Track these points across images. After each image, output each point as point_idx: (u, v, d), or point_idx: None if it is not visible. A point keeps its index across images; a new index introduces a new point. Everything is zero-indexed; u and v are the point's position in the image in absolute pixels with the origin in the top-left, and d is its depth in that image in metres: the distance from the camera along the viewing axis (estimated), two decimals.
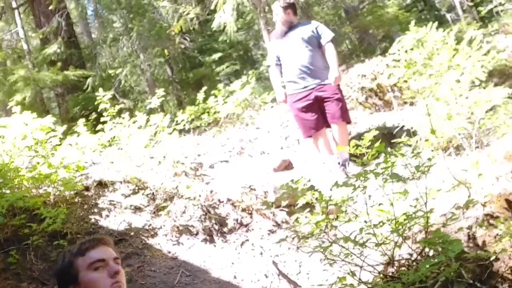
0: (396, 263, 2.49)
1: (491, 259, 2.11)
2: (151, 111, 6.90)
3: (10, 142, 4.17)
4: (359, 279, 2.43)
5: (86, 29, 16.47)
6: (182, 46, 11.17)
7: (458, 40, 5.03)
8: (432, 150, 3.88)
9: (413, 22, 5.28)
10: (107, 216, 3.88)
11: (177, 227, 3.86)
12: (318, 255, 2.82)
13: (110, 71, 10.49)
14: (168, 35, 10.36)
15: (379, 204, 2.48)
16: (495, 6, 11.81)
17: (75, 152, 4.58)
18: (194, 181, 4.64)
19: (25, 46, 11.12)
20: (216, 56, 12.78)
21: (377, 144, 2.51)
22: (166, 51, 11.23)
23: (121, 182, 4.31)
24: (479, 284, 2.06)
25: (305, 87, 4.65)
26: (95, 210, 3.93)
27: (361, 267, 2.48)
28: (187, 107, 7.49)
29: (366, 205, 2.47)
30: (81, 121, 5.31)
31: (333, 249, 2.53)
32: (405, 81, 5.42)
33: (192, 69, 12.89)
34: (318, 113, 4.66)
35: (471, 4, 12.70)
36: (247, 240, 3.94)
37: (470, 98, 4.04)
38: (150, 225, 3.86)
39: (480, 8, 12.64)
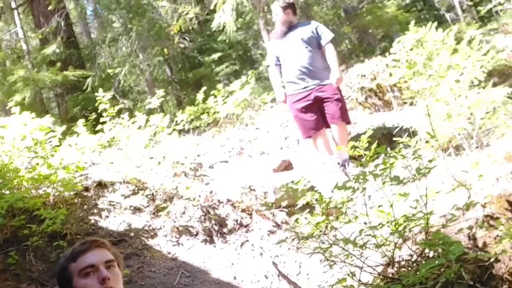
0: (396, 264, 2.49)
1: (491, 260, 2.11)
2: (150, 111, 6.91)
3: (10, 143, 4.17)
4: (359, 280, 2.42)
5: (85, 29, 16.46)
6: (182, 45, 11.16)
7: (458, 40, 5.02)
8: (432, 148, 3.88)
9: (412, 22, 5.28)
10: (107, 216, 3.88)
11: (177, 228, 3.86)
12: (318, 255, 2.81)
13: (109, 71, 10.47)
14: (167, 35, 10.35)
15: (379, 206, 2.48)
16: (495, 6, 11.82)
17: (74, 153, 4.58)
18: (194, 182, 4.64)
19: (24, 46, 11.10)
20: (215, 56, 12.77)
21: (374, 145, 2.51)
22: (165, 50, 11.21)
23: (120, 183, 4.31)
24: (479, 286, 2.05)
25: (304, 87, 4.65)
26: (95, 210, 3.93)
27: (361, 268, 2.48)
28: (186, 107, 7.48)
29: (365, 206, 2.46)
30: (81, 121, 5.31)
31: (333, 250, 2.52)
32: (405, 81, 5.42)
33: (191, 69, 12.88)
34: (317, 113, 4.66)
35: (470, 3, 12.71)
36: (247, 240, 3.94)
37: (470, 98, 4.04)
38: (149, 225, 3.86)
39: (479, 8, 12.65)
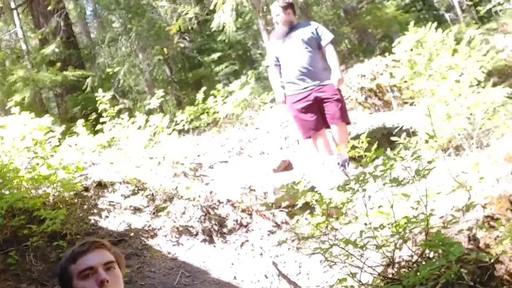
0: (396, 265, 2.49)
1: (492, 261, 2.11)
2: (150, 112, 6.91)
3: (9, 143, 4.17)
4: (359, 281, 2.43)
5: (85, 29, 16.45)
6: (181, 45, 11.16)
7: (458, 40, 5.02)
8: (432, 147, 3.88)
9: (412, 23, 5.28)
10: (107, 217, 3.88)
11: (177, 228, 3.86)
12: (318, 255, 2.82)
13: (108, 70, 10.46)
14: (167, 35, 10.34)
15: (379, 207, 2.48)
16: (494, 6, 11.82)
17: (74, 153, 4.58)
18: (194, 182, 4.64)
19: (24, 47, 11.09)
20: (215, 56, 12.76)
21: (375, 146, 2.51)
22: (165, 50, 11.21)
23: (120, 183, 4.31)
24: (480, 286, 2.05)
25: (304, 88, 4.65)
26: (95, 211, 3.93)
27: (361, 268, 2.48)
28: (186, 107, 7.47)
29: (365, 207, 2.46)
30: (80, 121, 5.31)
31: (333, 250, 2.52)
32: (405, 82, 5.42)
33: (191, 69, 12.88)
34: (317, 114, 4.66)
35: (470, 3, 12.70)
36: (247, 240, 3.94)
37: (470, 99, 4.04)
38: (149, 225, 3.86)
39: (479, 8, 12.64)
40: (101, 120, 5.37)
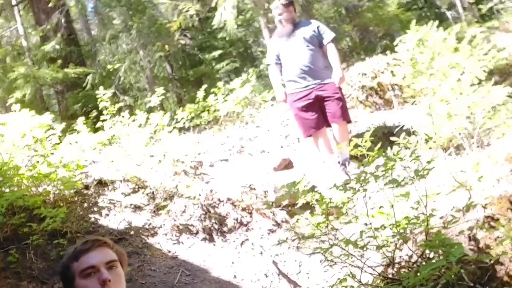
0: (396, 265, 2.49)
1: (492, 262, 2.11)
2: (151, 109, 6.90)
3: (10, 141, 4.16)
4: (359, 281, 2.43)
5: (86, 26, 16.43)
6: (182, 42, 11.15)
7: (459, 39, 5.02)
8: (431, 148, 3.88)
9: (414, 22, 5.27)
10: (107, 215, 3.88)
11: (177, 226, 3.86)
12: (318, 255, 2.81)
13: (109, 66, 10.46)
14: (168, 32, 10.34)
15: (380, 207, 2.48)
16: (496, 4, 11.80)
17: (75, 151, 4.58)
18: (194, 180, 4.64)
19: (24, 43, 11.09)
20: (216, 53, 12.75)
21: (378, 145, 2.51)
22: (166, 47, 11.20)
23: (121, 181, 4.30)
24: (480, 287, 2.05)
25: (305, 86, 4.65)
26: (95, 209, 3.92)
27: (361, 268, 2.48)
28: (187, 105, 7.48)
29: (366, 207, 2.46)
30: (81, 119, 5.30)
31: (333, 250, 2.52)
32: (406, 80, 5.41)
33: (192, 66, 12.87)
34: (318, 112, 4.65)
35: (472, 1, 12.67)
36: (247, 239, 3.94)
37: (471, 98, 4.04)
38: (150, 224, 3.86)
39: (480, 6, 12.61)
40: (102, 117, 5.37)
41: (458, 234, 2.30)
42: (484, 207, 2.43)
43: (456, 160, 3.94)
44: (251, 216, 4.17)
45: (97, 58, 11.25)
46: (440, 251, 2.14)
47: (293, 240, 3.52)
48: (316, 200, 2.67)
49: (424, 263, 2.27)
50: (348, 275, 2.42)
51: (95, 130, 5.44)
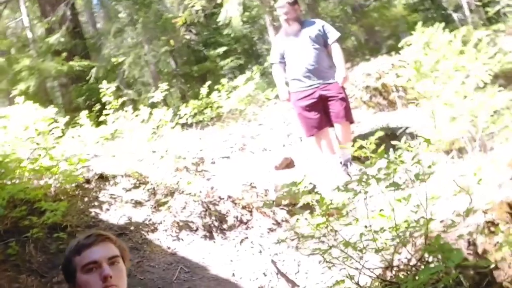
0: (395, 268, 2.49)
1: (491, 267, 2.10)
2: (154, 105, 6.90)
3: (12, 133, 4.16)
4: (357, 283, 2.42)
5: (91, 19, 16.43)
6: (187, 37, 11.12)
7: (465, 42, 4.99)
8: (433, 151, 3.86)
9: (420, 23, 5.24)
10: (108, 209, 3.89)
11: (177, 223, 3.87)
12: (318, 255, 2.81)
13: (113, 59, 10.45)
14: (173, 27, 10.32)
15: (380, 210, 2.47)
16: (503, 7, 11.73)
17: (77, 144, 4.58)
18: (195, 177, 4.63)
19: (29, 35, 11.09)
20: (220, 50, 12.71)
21: (382, 148, 2.50)
22: (171, 41, 11.18)
23: (122, 176, 4.31)
24: None
25: (310, 85, 4.63)
26: (96, 203, 3.93)
27: (360, 270, 2.48)
28: (190, 101, 7.46)
29: (366, 209, 2.46)
30: (84, 112, 5.30)
31: (332, 252, 2.52)
32: (410, 81, 5.39)
33: (196, 62, 12.84)
34: (321, 112, 4.64)
35: (479, 3, 12.60)
36: (247, 237, 3.94)
37: (475, 101, 4.02)
38: (150, 220, 3.86)
39: (487, 9, 12.54)
40: (105, 112, 5.37)
41: (458, 238, 2.30)
42: (485, 212, 2.42)
43: (458, 164, 3.92)
44: (251, 215, 4.17)
45: (102, 51, 11.24)
46: (439, 256, 2.13)
47: (293, 240, 3.51)
48: (317, 201, 2.66)
49: (422, 267, 2.26)
50: (347, 276, 2.42)
51: (98, 124, 5.43)
